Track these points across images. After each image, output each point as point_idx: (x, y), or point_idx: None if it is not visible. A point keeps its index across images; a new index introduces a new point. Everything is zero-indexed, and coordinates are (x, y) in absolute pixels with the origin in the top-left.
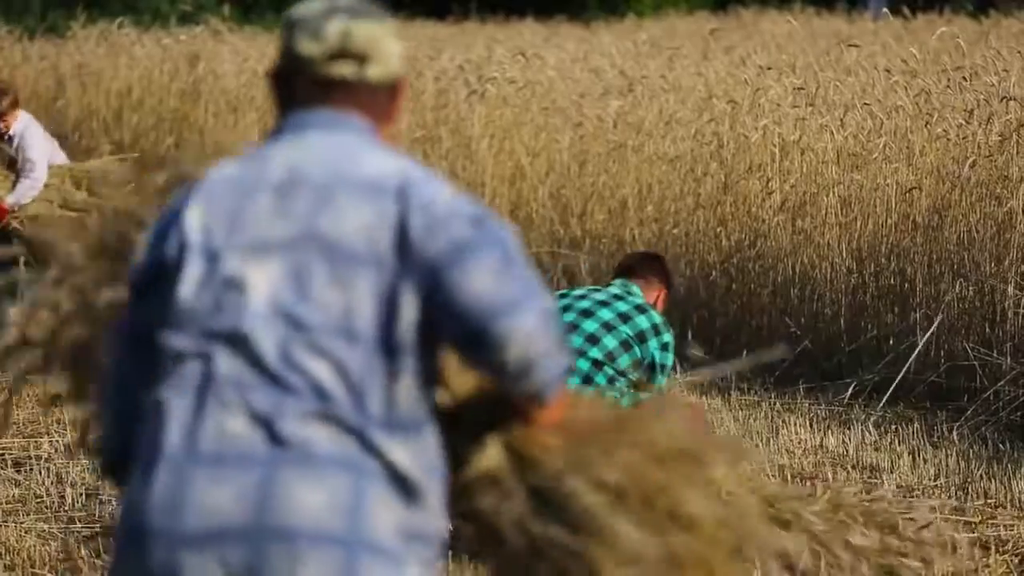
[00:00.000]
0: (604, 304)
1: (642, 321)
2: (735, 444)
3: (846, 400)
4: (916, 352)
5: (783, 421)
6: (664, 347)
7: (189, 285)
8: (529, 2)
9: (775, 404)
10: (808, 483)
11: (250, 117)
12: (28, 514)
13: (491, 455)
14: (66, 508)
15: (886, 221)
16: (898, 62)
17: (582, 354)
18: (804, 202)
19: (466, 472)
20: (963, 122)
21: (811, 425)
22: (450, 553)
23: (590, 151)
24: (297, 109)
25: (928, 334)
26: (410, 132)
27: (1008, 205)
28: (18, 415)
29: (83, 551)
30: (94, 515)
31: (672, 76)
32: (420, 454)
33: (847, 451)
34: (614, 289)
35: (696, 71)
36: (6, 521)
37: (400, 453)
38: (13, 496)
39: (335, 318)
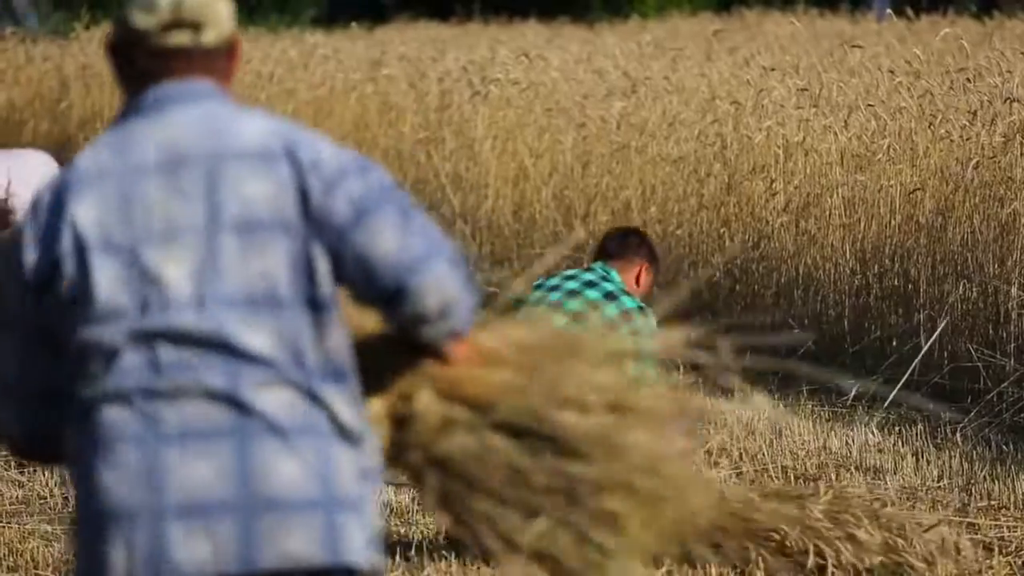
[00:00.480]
0: (574, 294)
1: (611, 310)
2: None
3: (849, 401)
4: (920, 354)
5: (786, 423)
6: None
7: (107, 284)
8: (532, 3)
9: (778, 405)
10: (812, 484)
11: None
12: (31, 515)
13: (423, 398)
14: (70, 510)
15: (890, 222)
16: (902, 63)
17: None
18: (808, 203)
19: (409, 421)
20: (967, 123)
21: (814, 427)
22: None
23: (593, 152)
24: (148, 84)
25: (932, 336)
26: (414, 133)
27: (1012, 206)
28: None
29: None
30: None
31: (676, 77)
32: (353, 400)
33: (850, 452)
34: (589, 275)
35: (700, 72)
36: (9, 523)
37: (340, 402)
38: (16, 497)
39: (259, 289)
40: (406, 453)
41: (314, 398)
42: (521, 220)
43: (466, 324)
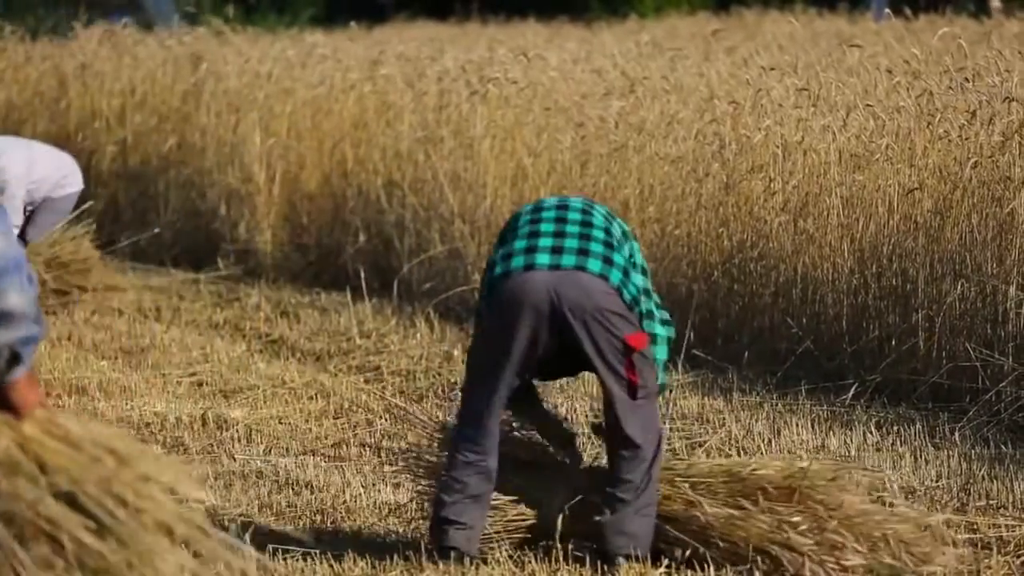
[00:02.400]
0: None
1: (617, 225)
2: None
3: (848, 401)
4: (918, 353)
5: (785, 422)
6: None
7: None
8: (531, 2)
9: (777, 405)
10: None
11: (252, 118)
12: None
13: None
14: None
15: (888, 222)
16: (900, 63)
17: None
18: (806, 203)
19: None
20: (965, 123)
21: (813, 426)
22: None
23: (592, 152)
24: None
25: (931, 335)
26: (412, 132)
27: (1010, 206)
28: None
29: None
30: None
31: (674, 77)
32: None
33: (849, 452)
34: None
35: (698, 72)
36: None
37: None
38: None
39: None
40: None
41: None
42: None
43: (28, 354)
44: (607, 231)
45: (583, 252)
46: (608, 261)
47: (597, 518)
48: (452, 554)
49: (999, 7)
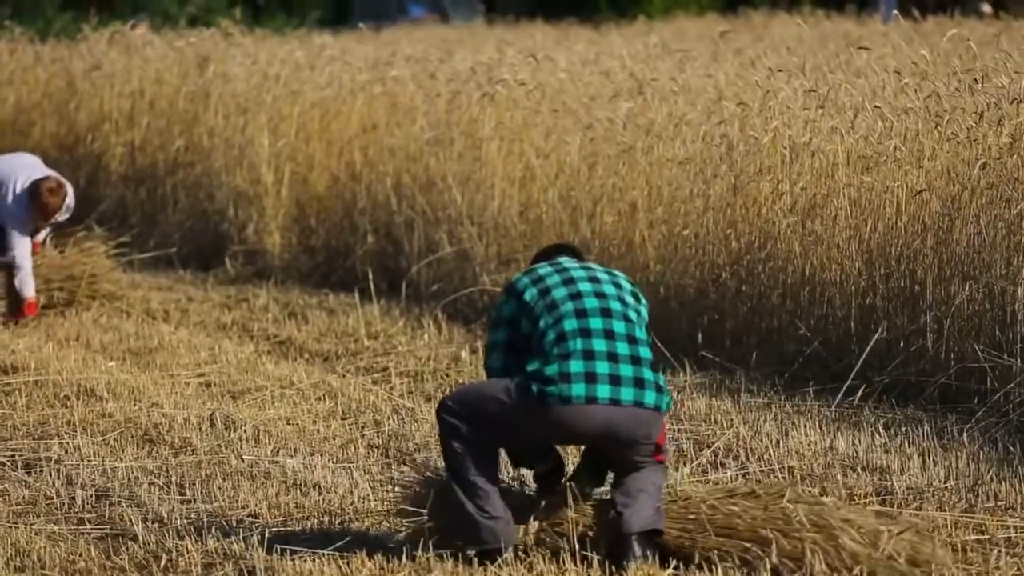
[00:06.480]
0: (590, 269)
1: (627, 283)
2: None
3: (856, 402)
4: (927, 354)
5: (793, 423)
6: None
7: None
8: (539, 4)
9: (785, 406)
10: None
11: (260, 119)
12: (38, 516)
13: None
14: (76, 510)
15: (896, 223)
16: (908, 64)
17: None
18: (814, 204)
19: None
20: (974, 124)
21: (821, 427)
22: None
23: (600, 153)
24: None
25: (939, 337)
26: (421, 134)
27: (1018, 207)
28: (27, 417)
29: (93, 553)
30: (104, 516)
31: (682, 78)
32: None
33: (857, 453)
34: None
35: (706, 73)
36: (16, 523)
37: None
38: (23, 498)
39: None
40: None
41: None
42: (528, 221)
43: None
44: (643, 327)
45: (639, 383)
46: (659, 388)
47: (616, 509)
48: (490, 544)
49: (988, 12)
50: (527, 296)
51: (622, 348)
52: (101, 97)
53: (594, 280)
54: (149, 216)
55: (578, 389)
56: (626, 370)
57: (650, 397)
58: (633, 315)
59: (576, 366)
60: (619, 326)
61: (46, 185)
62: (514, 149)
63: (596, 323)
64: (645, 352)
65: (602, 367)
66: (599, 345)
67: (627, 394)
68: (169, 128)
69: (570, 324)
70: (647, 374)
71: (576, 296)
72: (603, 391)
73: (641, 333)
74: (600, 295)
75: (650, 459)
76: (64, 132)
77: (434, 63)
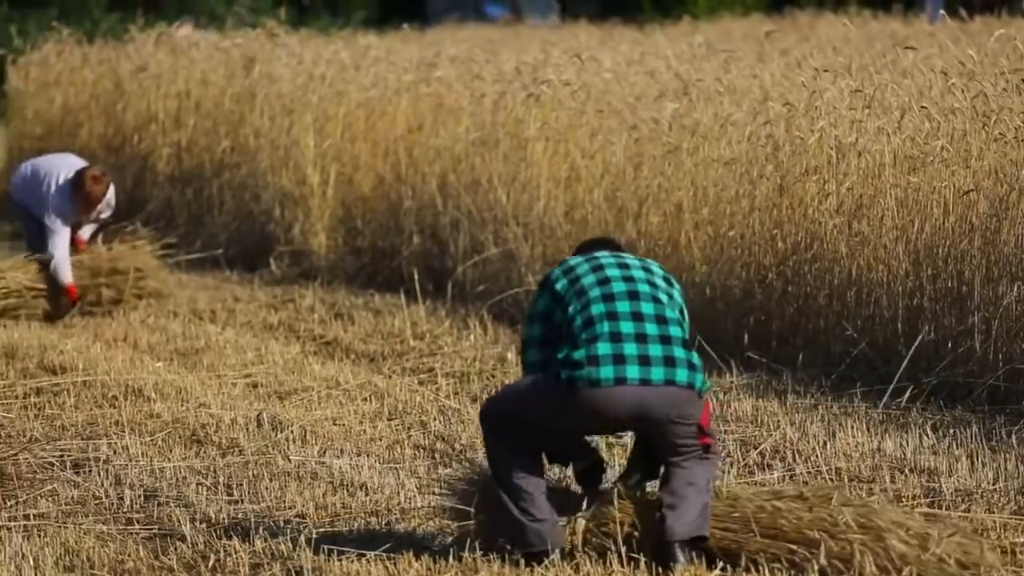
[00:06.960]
0: (622, 258)
1: (658, 269)
2: None
3: (903, 403)
4: (975, 355)
5: (840, 424)
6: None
7: None
8: (584, 4)
9: (832, 407)
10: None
11: (306, 119)
12: (87, 516)
13: None
14: (124, 510)
15: (943, 224)
16: (955, 64)
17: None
18: (861, 205)
19: None
20: (1021, 124)
21: (868, 428)
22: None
23: (645, 153)
24: None
25: (987, 338)
26: (467, 134)
27: None
28: (76, 417)
29: (141, 553)
30: (152, 517)
31: (727, 79)
32: None
33: (905, 455)
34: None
35: (751, 73)
36: (65, 523)
37: None
38: (72, 498)
39: None
40: None
41: None
42: (573, 221)
43: None
44: (675, 308)
45: (669, 361)
46: (691, 366)
47: (661, 510)
48: (536, 546)
49: None
50: (558, 287)
51: (651, 328)
52: (148, 98)
53: (623, 267)
54: (195, 217)
55: (606, 371)
56: (655, 350)
57: (682, 375)
58: (663, 296)
59: (604, 348)
60: (647, 307)
61: (90, 173)
62: (559, 149)
63: (623, 306)
64: (676, 331)
65: (630, 348)
66: (627, 327)
67: (657, 373)
68: (215, 129)
69: (597, 308)
70: (678, 352)
71: (604, 282)
72: (632, 372)
73: (672, 313)
74: (628, 279)
75: (694, 442)
76: (111, 133)
77: (479, 63)
